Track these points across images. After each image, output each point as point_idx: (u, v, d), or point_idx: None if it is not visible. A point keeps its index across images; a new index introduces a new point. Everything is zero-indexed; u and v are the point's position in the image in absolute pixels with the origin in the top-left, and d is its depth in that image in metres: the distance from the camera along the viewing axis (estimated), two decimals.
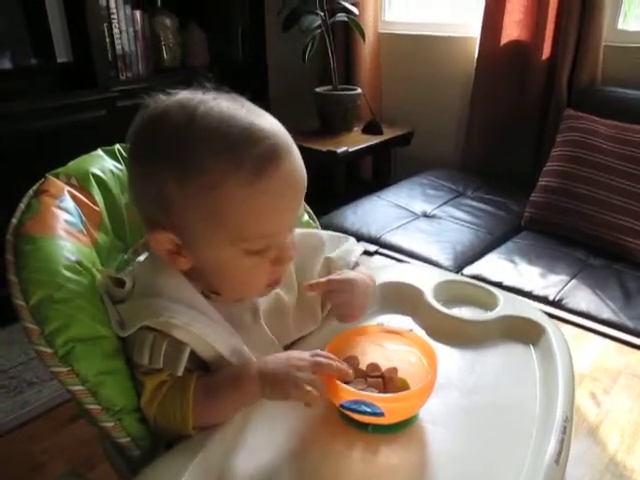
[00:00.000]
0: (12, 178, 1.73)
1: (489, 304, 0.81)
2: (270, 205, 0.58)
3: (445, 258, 1.65)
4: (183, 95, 0.60)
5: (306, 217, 0.92)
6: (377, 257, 1.52)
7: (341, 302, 0.71)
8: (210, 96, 0.60)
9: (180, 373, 0.58)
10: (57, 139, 1.95)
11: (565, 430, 0.58)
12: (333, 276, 0.73)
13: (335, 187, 2.24)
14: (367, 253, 1.51)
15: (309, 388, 0.57)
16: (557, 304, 1.43)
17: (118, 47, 2.31)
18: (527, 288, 1.49)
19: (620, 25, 2.01)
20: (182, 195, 0.57)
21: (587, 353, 1.07)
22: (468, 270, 1.60)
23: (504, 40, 2.10)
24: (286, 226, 0.62)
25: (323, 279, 0.72)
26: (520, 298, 0.86)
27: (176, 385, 0.60)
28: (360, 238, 1.73)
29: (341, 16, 2.24)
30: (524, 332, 0.76)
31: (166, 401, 0.60)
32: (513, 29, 2.07)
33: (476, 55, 2.19)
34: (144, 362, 0.59)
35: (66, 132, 1.98)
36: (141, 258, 0.69)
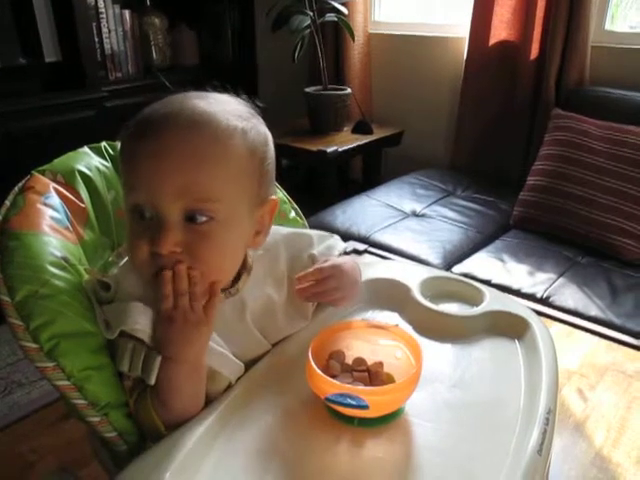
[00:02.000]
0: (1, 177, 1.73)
1: (475, 300, 0.82)
2: (133, 163, 0.59)
3: (435, 257, 1.65)
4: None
5: (293, 214, 0.93)
6: (366, 255, 1.52)
7: (331, 288, 0.72)
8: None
9: (152, 382, 0.58)
10: (45, 139, 1.95)
11: (548, 422, 0.58)
12: (320, 264, 0.73)
13: (325, 187, 2.24)
14: (356, 252, 1.52)
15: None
16: (545, 302, 1.44)
17: (107, 47, 2.31)
18: (515, 286, 1.50)
19: (607, 26, 2.03)
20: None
21: (575, 350, 1.07)
22: (457, 268, 1.61)
23: (493, 40, 2.12)
24: (154, 194, 0.57)
25: (311, 269, 0.72)
26: (506, 294, 0.87)
27: (141, 394, 0.61)
28: (350, 237, 1.74)
29: (330, 16, 2.24)
30: (509, 327, 0.76)
31: (137, 407, 0.61)
32: (501, 29, 2.09)
33: (465, 55, 2.21)
34: (124, 370, 0.60)
35: (55, 132, 1.98)
36: (123, 262, 0.69)
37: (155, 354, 0.59)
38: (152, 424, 0.60)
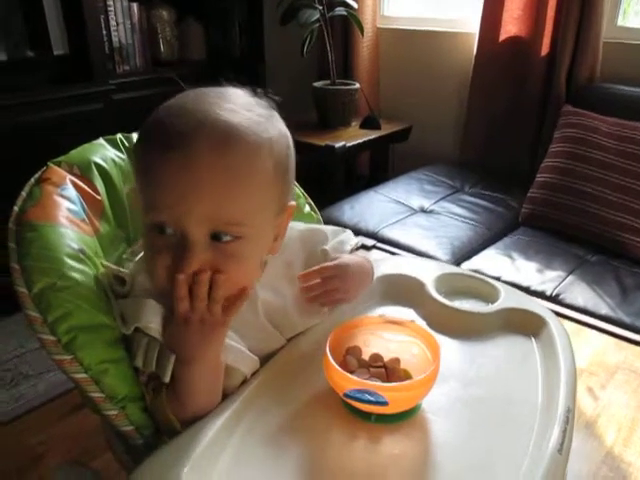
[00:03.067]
0: (9, 170, 1.73)
1: (490, 297, 0.81)
2: (153, 181, 0.56)
3: (443, 253, 1.65)
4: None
5: (307, 209, 0.92)
6: (375, 251, 1.51)
7: (332, 288, 0.71)
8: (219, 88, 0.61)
9: (167, 380, 0.58)
10: (53, 132, 1.94)
11: (568, 421, 0.58)
12: (326, 263, 0.72)
13: (333, 182, 2.23)
14: (365, 247, 1.51)
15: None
16: (554, 299, 1.44)
17: (115, 40, 2.30)
18: (525, 283, 1.50)
19: (619, 22, 2.02)
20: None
21: (585, 348, 1.07)
22: (466, 265, 1.61)
23: (503, 36, 2.10)
24: (179, 218, 0.55)
25: (316, 267, 0.71)
26: (521, 292, 0.86)
27: (156, 390, 0.61)
28: (358, 233, 1.73)
29: (340, 10, 2.23)
30: (525, 324, 0.76)
31: (153, 403, 0.61)
32: (512, 25, 2.08)
33: (475, 51, 2.20)
34: (139, 365, 0.60)
35: (62, 124, 1.98)
36: (138, 258, 0.69)
37: (169, 352, 0.58)
38: (167, 420, 0.60)
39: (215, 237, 0.56)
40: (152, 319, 0.59)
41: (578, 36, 1.93)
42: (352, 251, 0.80)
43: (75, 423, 1.07)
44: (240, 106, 0.58)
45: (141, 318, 0.59)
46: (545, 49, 2.02)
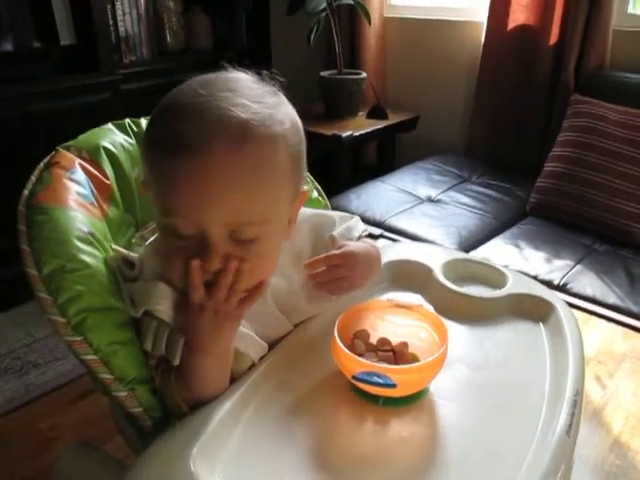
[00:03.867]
0: (17, 160, 1.74)
1: (498, 282, 0.81)
2: (167, 183, 0.55)
3: (450, 242, 1.65)
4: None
5: (315, 194, 0.92)
6: (382, 240, 1.51)
7: (338, 277, 0.70)
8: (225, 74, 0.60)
9: (177, 362, 0.59)
10: (60, 122, 1.94)
11: (576, 404, 0.58)
12: (333, 251, 0.72)
13: (340, 171, 2.23)
14: (372, 237, 1.51)
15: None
16: (562, 289, 1.43)
17: (121, 30, 2.30)
18: (532, 272, 1.49)
19: (630, 9, 1.99)
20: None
21: (592, 337, 1.06)
22: (473, 254, 1.60)
23: (511, 25, 2.08)
24: (196, 221, 0.55)
25: (322, 255, 0.71)
26: (529, 278, 0.86)
27: (165, 373, 0.61)
28: (365, 222, 1.69)
29: None
30: (533, 310, 0.76)
31: (161, 386, 0.61)
32: (520, 13, 2.06)
33: (482, 40, 2.18)
34: (148, 348, 0.60)
35: (70, 115, 1.98)
36: (148, 242, 0.69)
37: (179, 335, 0.59)
38: (175, 403, 0.60)
39: (235, 235, 0.56)
40: (161, 302, 0.59)
41: (587, 24, 1.91)
42: (360, 238, 0.79)
43: (84, 409, 1.08)
44: (251, 99, 0.56)
45: (150, 301, 0.59)
46: (554, 37, 2.00)
